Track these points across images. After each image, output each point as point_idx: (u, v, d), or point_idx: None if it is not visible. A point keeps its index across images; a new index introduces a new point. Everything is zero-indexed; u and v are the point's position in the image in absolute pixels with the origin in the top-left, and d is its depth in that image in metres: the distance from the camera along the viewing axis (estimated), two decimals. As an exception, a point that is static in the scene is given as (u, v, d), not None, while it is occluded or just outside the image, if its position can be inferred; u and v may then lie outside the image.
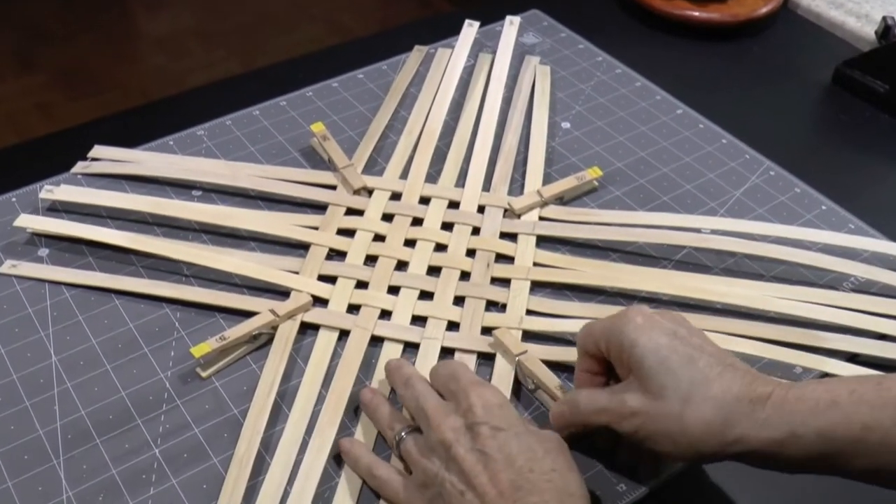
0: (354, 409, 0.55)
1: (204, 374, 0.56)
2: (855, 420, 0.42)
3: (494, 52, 0.82)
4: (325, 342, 0.58)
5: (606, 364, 0.50)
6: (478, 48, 0.84)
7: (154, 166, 0.70)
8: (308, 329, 0.59)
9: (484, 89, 0.78)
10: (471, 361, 0.57)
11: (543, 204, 0.68)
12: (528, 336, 0.59)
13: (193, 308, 0.60)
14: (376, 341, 0.59)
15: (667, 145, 0.74)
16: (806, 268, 0.64)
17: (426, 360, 0.57)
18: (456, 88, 0.78)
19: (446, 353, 0.58)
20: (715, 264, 0.64)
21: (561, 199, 0.69)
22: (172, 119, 0.76)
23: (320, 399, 0.55)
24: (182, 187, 0.69)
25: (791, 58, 0.87)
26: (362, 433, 0.53)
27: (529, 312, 0.60)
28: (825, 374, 0.57)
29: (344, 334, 0.59)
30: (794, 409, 0.43)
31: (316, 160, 0.72)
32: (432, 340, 0.58)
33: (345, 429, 0.54)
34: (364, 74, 0.81)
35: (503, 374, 0.56)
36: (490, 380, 0.56)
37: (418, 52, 0.83)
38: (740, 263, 0.65)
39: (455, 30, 0.84)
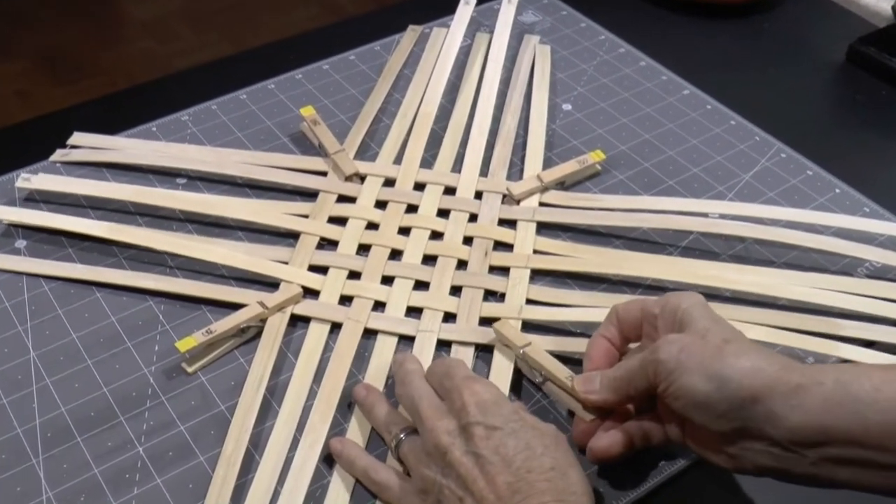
0: (347, 405, 0.55)
1: (190, 370, 0.56)
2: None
3: (492, 32, 0.82)
4: (316, 335, 0.58)
5: (626, 341, 0.52)
6: (475, 27, 0.83)
7: (136, 153, 0.69)
8: (298, 322, 0.59)
9: (481, 70, 0.78)
10: (468, 354, 0.57)
11: (544, 189, 0.67)
12: (528, 326, 0.59)
13: (178, 300, 0.60)
14: (370, 334, 0.59)
15: (673, 127, 0.74)
16: (819, 253, 0.64)
17: (422, 354, 0.57)
18: (452, 70, 0.78)
19: (443, 345, 0.58)
20: (723, 250, 0.64)
21: (562, 184, 0.69)
22: (156, 104, 0.75)
23: (311, 394, 0.55)
24: (166, 175, 0.68)
25: (803, 35, 0.86)
26: (356, 429, 0.53)
27: (529, 302, 0.60)
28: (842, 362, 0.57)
29: (336, 327, 0.59)
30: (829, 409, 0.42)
31: (306, 146, 0.72)
32: (428, 333, 0.58)
33: (337, 425, 0.54)
34: (356, 56, 0.81)
35: (502, 368, 0.56)
36: (489, 374, 0.56)
37: (412, 32, 0.83)
38: (750, 249, 0.64)
39: (451, 8, 0.83)
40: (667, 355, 0.46)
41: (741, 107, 0.76)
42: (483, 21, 0.84)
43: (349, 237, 0.64)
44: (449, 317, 0.59)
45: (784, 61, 0.83)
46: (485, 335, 0.58)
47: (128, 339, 0.58)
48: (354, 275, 0.62)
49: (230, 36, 2.07)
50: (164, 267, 0.62)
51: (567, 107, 0.76)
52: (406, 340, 0.58)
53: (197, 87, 0.78)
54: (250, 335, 0.58)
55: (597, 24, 0.85)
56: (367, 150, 0.71)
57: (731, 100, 0.76)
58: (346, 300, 0.60)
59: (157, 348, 0.57)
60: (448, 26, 0.82)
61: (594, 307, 0.59)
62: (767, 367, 0.43)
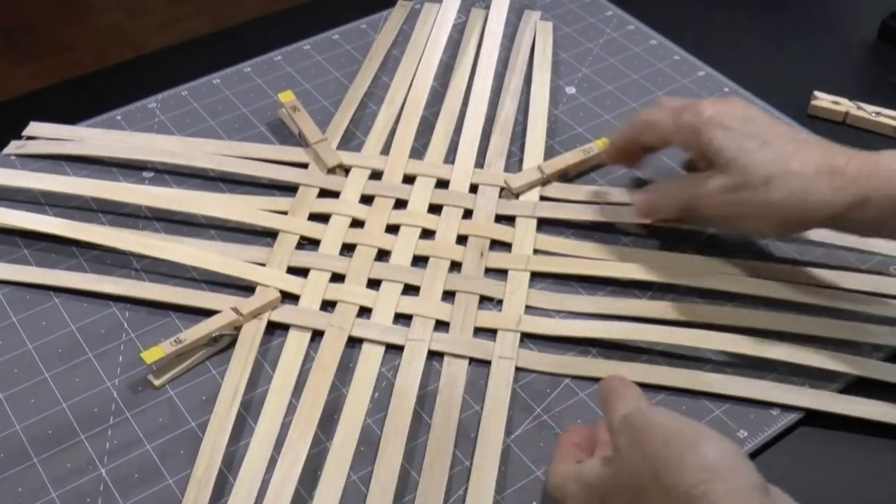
0: (335, 416, 0.54)
1: (157, 383, 0.56)
2: None
3: (488, 7, 0.81)
4: (295, 344, 0.58)
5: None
6: (470, 2, 0.83)
7: (99, 145, 0.69)
8: (276, 329, 0.59)
9: (476, 50, 0.78)
10: (462, 367, 0.57)
11: (545, 181, 0.67)
12: (528, 337, 0.59)
13: (144, 306, 0.60)
14: (354, 343, 0.58)
15: (687, 112, 0.74)
16: (847, 250, 0.63)
17: (411, 365, 0.56)
18: (444, 50, 0.78)
19: (434, 356, 0.58)
20: (744, 247, 0.64)
21: (565, 176, 0.68)
22: (120, 89, 0.75)
23: (291, 409, 0.55)
24: (131, 168, 0.68)
25: (831, 10, 0.86)
26: (341, 448, 0.53)
27: (529, 309, 0.60)
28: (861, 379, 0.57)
29: (317, 335, 0.58)
30: (869, 175, 0.53)
31: (284, 135, 0.71)
32: (418, 342, 0.58)
33: (318, 443, 0.53)
34: (340, 35, 0.81)
35: (500, 386, 0.56)
36: (485, 391, 0.55)
37: (402, 7, 0.82)
38: (772, 246, 0.64)
39: (444, -18, 0.83)
40: (716, 209, 0.57)
41: (762, 90, 0.75)
42: (479, -4, 0.84)
43: (332, 236, 0.63)
44: (440, 325, 0.59)
45: (810, 39, 0.82)
46: (480, 348, 0.57)
47: (89, 349, 0.58)
48: (338, 277, 0.61)
49: (207, 9, 2.06)
50: (129, 269, 0.62)
51: (571, 90, 0.76)
52: (394, 351, 0.58)
53: (165, 71, 0.77)
54: (223, 344, 0.58)
55: (604, -2, 0.85)
56: (352, 139, 0.71)
57: (752, 82, 0.76)
58: (328, 305, 0.60)
59: (121, 359, 0.57)
60: (440, 2, 0.82)
61: (600, 318, 0.59)
62: (808, 178, 0.54)
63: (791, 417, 0.55)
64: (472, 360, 0.57)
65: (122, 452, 0.53)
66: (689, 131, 0.58)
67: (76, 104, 0.74)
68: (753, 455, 0.53)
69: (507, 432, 0.54)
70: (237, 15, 2.09)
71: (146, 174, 0.68)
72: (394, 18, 0.81)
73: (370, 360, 0.57)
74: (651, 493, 0.43)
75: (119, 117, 0.72)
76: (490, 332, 0.59)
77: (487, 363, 0.57)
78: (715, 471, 0.41)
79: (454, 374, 0.56)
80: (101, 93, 0.76)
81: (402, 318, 0.59)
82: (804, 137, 0.56)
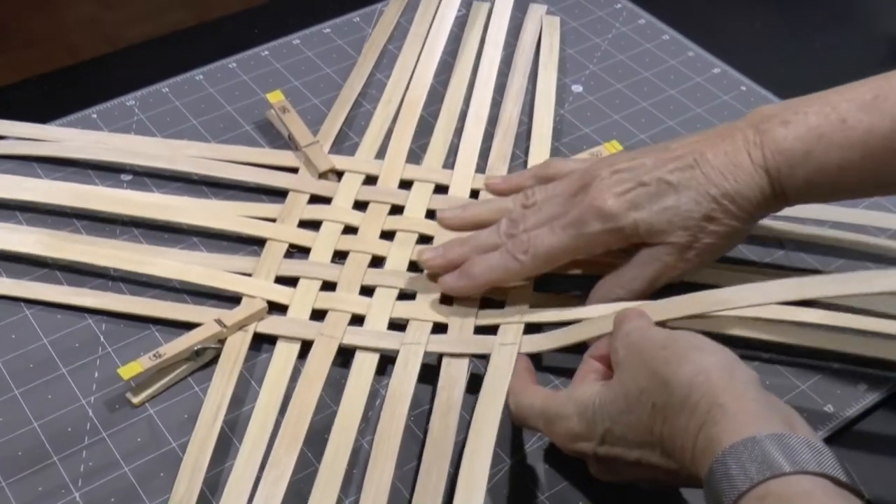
0: (323, 436, 0.54)
1: (135, 401, 0.56)
2: (831, 166, 0.54)
3: (491, 1, 0.82)
4: (283, 357, 0.58)
5: None
6: (471, -6, 0.83)
7: (74, 146, 0.69)
8: (264, 343, 0.59)
9: (479, 47, 0.78)
10: (462, 368, 0.57)
11: (549, 186, 0.67)
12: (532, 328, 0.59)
13: (122, 319, 0.60)
14: (347, 356, 0.58)
15: (701, 112, 0.74)
16: (873, 261, 0.64)
17: (406, 370, 0.56)
18: (444, 46, 0.78)
19: (430, 369, 0.58)
20: (760, 257, 0.64)
21: (572, 181, 0.68)
22: (96, 86, 0.75)
23: (278, 427, 0.54)
24: (109, 171, 0.68)
25: (854, 3, 0.86)
26: (332, 465, 0.52)
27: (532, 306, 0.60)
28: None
29: (307, 346, 0.58)
30: (778, 166, 0.54)
31: (273, 135, 0.72)
32: (414, 346, 0.58)
33: (305, 460, 0.53)
34: (332, 29, 0.81)
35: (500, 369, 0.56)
36: (483, 376, 0.56)
37: (397, 0, 0.83)
38: (792, 258, 0.64)
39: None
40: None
41: (781, 88, 0.76)
42: (480, -13, 0.84)
43: (323, 243, 0.64)
44: (438, 328, 0.59)
45: (832, 33, 0.83)
46: (480, 344, 0.57)
47: (62, 364, 0.58)
48: (329, 286, 0.61)
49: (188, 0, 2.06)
50: (106, 280, 0.62)
51: (577, 88, 0.76)
52: (390, 364, 0.58)
53: (144, 66, 0.78)
54: (206, 359, 0.58)
55: (613, -10, 0.85)
56: (346, 141, 0.71)
57: (770, 80, 0.77)
58: (318, 315, 0.60)
59: (97, 375, 0.57)
60: (440, -6, 0.82)
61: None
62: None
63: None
64: (472, 358, 0.57)
65: (98, 475, 0.53)
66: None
67: (47, 101, 0.75)
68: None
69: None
70: (220, 5, 2.10)
71: (125, 177, 0.68)
72: (390, 11, 0.82)
73: (363, 370, 0.57)
74: (648, 393, 0.46)
75: (95, 115, 0.73)
76: (492, 330, 0.59)
77: (488, 358, 0.57)
78: (715, 363, 0.45)
79: (453, 376, 0.56)
80: (75, 89, 0.76)
81: (399, 328, 0.59)
82: (692, 162, 0.56)
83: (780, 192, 0.55)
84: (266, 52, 0.79)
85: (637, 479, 0.49)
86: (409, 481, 0.53)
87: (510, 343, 0.57)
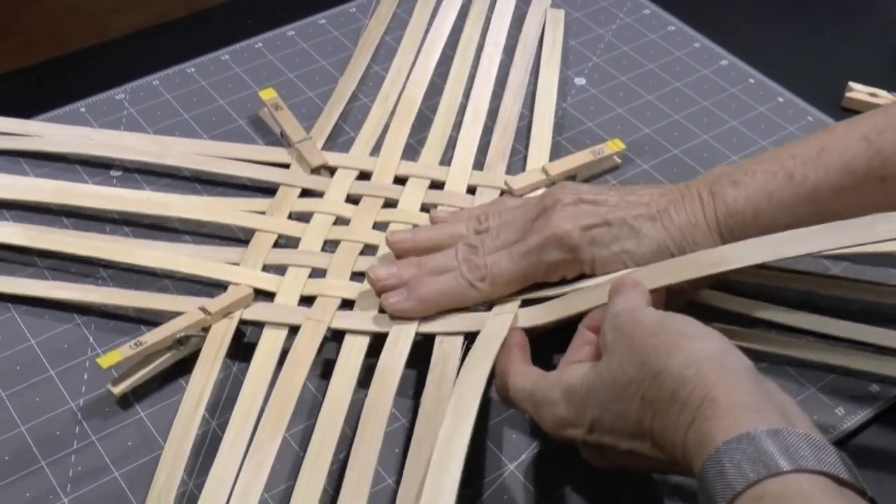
0: (309, 421, 0.55)
1: (116, 391, 0.56)
2: (782, 224, 0.54)
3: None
4: (269, 344, 0.58)
5: None
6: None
7: (60, 141, 0.70)
8: (253, 337, 0.59)
9: (480, 40, 0.79)
10: (456, 345, 0.57)
11: (550, 184, 0.68)
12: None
13: (112, 319, 0.61)
14: (337, 339, 0.59)
15: (708, 105, 0.75)
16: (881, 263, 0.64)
17: (396, 346, 0.57)
18: (446, 37, 0.79)
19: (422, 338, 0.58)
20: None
21: (572, 178, 0.69)
22: (85, 78, 0.76)
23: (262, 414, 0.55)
24: (97, 166, 0.69)
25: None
26: (317, 448, 0.53)
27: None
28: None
29: (294, 332, 0.59)
30: (731, 229, 0.56)
31: (267, 131, 0.73)
32: (405, 326, 0.58)
33: (289, 446, 0.54)
34: (326, 19, 0.82)
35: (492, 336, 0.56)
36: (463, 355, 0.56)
37: (394, -9, 0.84)
38: (813, 294, 0.63)
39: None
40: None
41: (791, 81, 0.77)
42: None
43: (313, 233, 0.64)
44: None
45: (844, 24, 0.84)
46: (475, 321, 0.57)
47: (50, 366, 0.58)
48: (319, 275, 0.62)
49: (179, -13, 2.06)
50: (95, 279, 0.63)
51: (580, 81, 0.77)
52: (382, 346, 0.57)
53: (134, 58, 0.79)
54: (191, 348, 0.58)
55: (617, -21, 0.86)
56: (341, 136, 0.72)
57: (779, 72, 0.77)
58: (308, 302, 0.60)
59: (85, 377, 0.58)
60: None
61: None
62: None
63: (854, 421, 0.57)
64: (466, 336, 0.57)
65: (87, 480, 0.53)
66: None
67: (35, 94, 0.75)
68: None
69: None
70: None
71: (114, 172, 0.69)
72: (386, 2, 0.82)
73: (353, 354, 0.57)
74: (637, 383, 0.46)
75: (83, 109, 0.73)
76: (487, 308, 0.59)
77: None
78: (707, 353, 0.45)
79: (446, 353, 0.57)
80: (63, 82, 0.77)
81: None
82: (655, 212, 0.57)
83: None
84: (260, 44, 0.80)
85: (632, 466, 0.49)
86: (397, 461, 0.53)
87: (506, 313, 0.57)
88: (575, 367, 0.51)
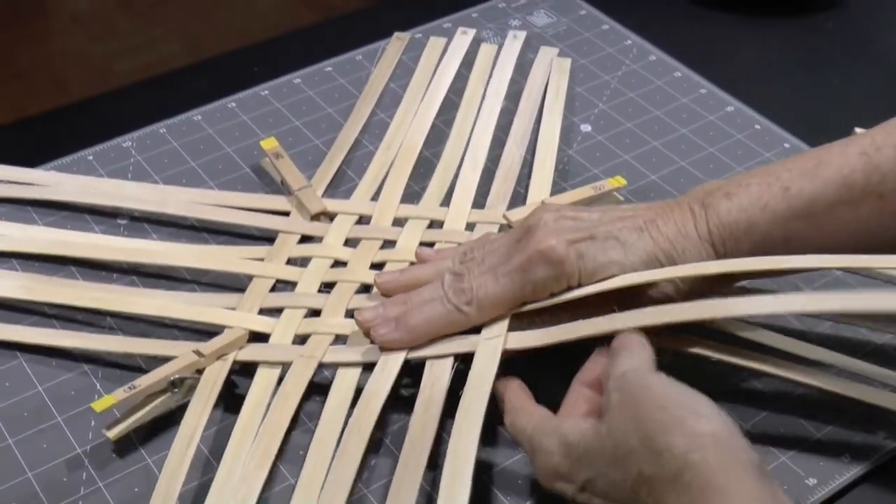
0: (298, 452, 0.55)
1: (110, 435, 0.58)
2: (776, 236, 0.56)
3: (500, 45, 0.85)
4: (263, 384, 0.60)
5: None
6: (480, 37, 0.86)
7: (66, 190, 0.72)
8: (248, 378, 0.61)
9: (484, 89, 0.81)
10: (445, 368, 0.58)
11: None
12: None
13: (119, 368, 0.62)
14: (327, 372, 0.61)
15: (713, 151, 0.77)
16: None
17: (382, 373, 0.58)
18: (451, 85, 0.81)
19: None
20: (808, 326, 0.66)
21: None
22: (93, 126, 0.79)
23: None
24: (104, 214, 0.71)
25: (876, 36, 0.89)
26: (310, 475, 0.54)
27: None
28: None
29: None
30: (723, 239, 0.56)
31: (272, 179, 0.75)
32: (394, 355, 0.59)
33: (283, 477, 0.56)
34: (333, 67, 0.85)
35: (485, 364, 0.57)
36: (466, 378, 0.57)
37: (398, 40, 0.86)
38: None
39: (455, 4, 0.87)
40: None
41: (798, 126, 0.79)
42: (487, 23, 0.88)
43: (310, 276, 0.66)
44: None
45: (852, 69, 0.86)
46: (464, 343, 0.59)
47: (57, 412, 0.60)
48: (315, 315, 0.64)
49: (180, 32, 2.10)
50: (101, 327, 0.65)
51: (586, 128, 0.79)
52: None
53: (141, 106, 0.81)
54: (185, 390, 0.60)
55: (622, 26, 0.88)
56: (344, 183, 0.74)
57: (785, 118, 0.79)
58: (303, 342, 0.62)
59: (92, 423, 0.59)
60: (442, 29, 0.85)
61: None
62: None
63: (861, 468, 0.58)
64: (456, 358, 0.59)
65: (94, 526, 0.55)
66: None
67: (42, 142, 0.78)
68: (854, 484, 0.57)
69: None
70: (213, 39, 2.12)
71: (120, 220, 0.71)
72: (391, 51, 0.85)
73: (344, 386, 0.59)
74: (638, 457, 0.46)
75: (91, 157, 0.76)
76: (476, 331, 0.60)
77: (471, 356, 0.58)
78: (713, 439, 0.45)
79: (435, 376, 0.58)
80: (69, 129, 0.79)
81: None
82: (643, 224, 0.58)
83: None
84: (266, 92, 0.82)
85: None
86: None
87: (495, 336, 0.58)
88: (576, 420, 0.52)
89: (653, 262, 0.57)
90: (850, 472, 0.58)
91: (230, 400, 0.60)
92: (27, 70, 1.99)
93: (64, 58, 2.04)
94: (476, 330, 0.60)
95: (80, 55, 2.05)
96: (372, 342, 0.60)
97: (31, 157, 0.75)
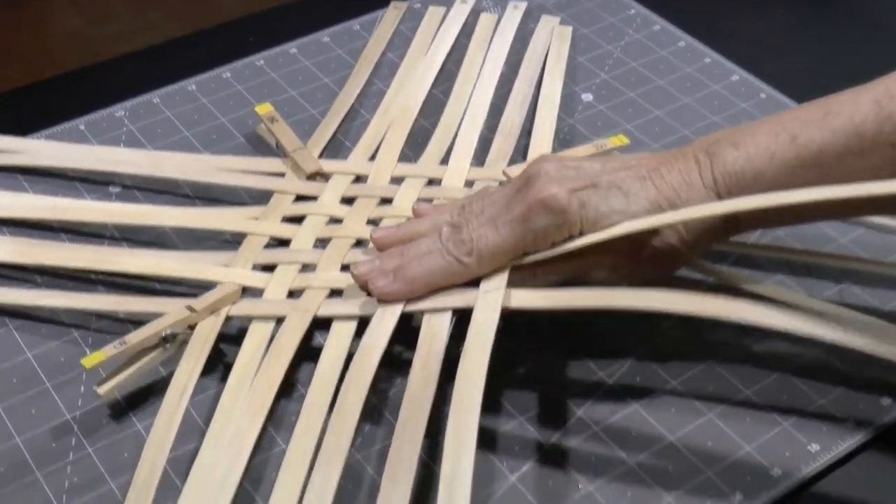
0: (291, 418, 0.56)
1: (101, 391, 0.58)
2: (783, 186, 0.55)
3: (501, 12, 0.85)
4: (256, 338, 0.59)
5: None
6: (480, 6, 0.87)
7: (56, 156, 0.72)
8: (241, 336, 0.61)
9: (483, 59, 0.81)
10: (444, 322, 0.58)
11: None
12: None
13: (109, 334, 0.62)
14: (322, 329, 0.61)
15: (717, 120, 0.77)
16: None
17: (379, 327, 0.58)
18: (449, 56, 0.82)
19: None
20: (811, 292, 0.66)
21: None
22: (84, 96, 0.79)
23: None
24: (96, 183, 0.72)
25: (878, 6, 0.89)
26: (303, 432, 0.54)
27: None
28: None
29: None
30: (729, 189, 0.57)
31: (267, 147, 0.75)
32: (389, 307, 0.59)
33: (271, 441, 0.56)
34: (330, 37, 0.85)
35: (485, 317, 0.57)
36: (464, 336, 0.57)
37: (395, 9, 0.86)
38: (846, 293, 0.66)
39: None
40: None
41: (804, 96, 0.77)
42: (487, -7, 0.88)
43: (305, 233, 0.66)
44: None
45: (861, 40, 0.86)
46: (463, 297, 0.58)
47: (46, 378, 0.60)
48: (309, 269, 0.64)
49: (178, 15, 2.09)
50: (91, 291, 0.65)
51: (587, 97, 0.79)
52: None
53: (134, 76, 0.81)
54: (177, 346, 0.59)
55: (626, -5, 0.88)
56: (340, 149, 0.74)
57: (792, 87, 0.79)
58: (297, 296, 0.62)
59: (82, 389, 0.60)
60: (444, 5, 0.85)
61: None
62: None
63: (865, 435, 0.58)
64: (455, 313, 0.58)
65: (83, 490, 0.55)
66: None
67: (31, 112, 0.78)
68: (825, 472, 0.57)
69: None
70: (212, 22, 2.12)
71: (113, 189, 0.71)
72: (388, 20, 0.85)
73: (340, 340, 0.58)
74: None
75: (83, 127, 0.76)
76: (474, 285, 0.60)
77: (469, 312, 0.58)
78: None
79: (434, 330, 0.58)
80: (60, 100, 0.79)
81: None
82: (646, 172, 0.58)
83: (731, 217, 0.58)
84: (261, 62, 0.82)
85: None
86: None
87: (494, 290, 0.58)
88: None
89: (656, 212, 0.57)
90: (854, 438, 0.57)
91: (225, 371, 0.60)
92: (24, 55, 1.99)
93: (61, 42, 2.04)
94: (474, 284, 0.59)
95: (77, 39, 2.05)
96: (369, 296, 0.60)
97: (23, 127, 0.75)
